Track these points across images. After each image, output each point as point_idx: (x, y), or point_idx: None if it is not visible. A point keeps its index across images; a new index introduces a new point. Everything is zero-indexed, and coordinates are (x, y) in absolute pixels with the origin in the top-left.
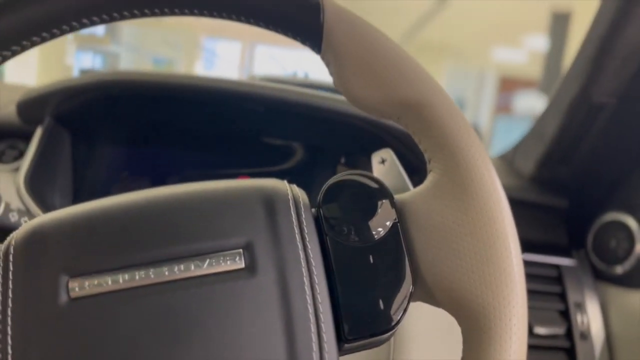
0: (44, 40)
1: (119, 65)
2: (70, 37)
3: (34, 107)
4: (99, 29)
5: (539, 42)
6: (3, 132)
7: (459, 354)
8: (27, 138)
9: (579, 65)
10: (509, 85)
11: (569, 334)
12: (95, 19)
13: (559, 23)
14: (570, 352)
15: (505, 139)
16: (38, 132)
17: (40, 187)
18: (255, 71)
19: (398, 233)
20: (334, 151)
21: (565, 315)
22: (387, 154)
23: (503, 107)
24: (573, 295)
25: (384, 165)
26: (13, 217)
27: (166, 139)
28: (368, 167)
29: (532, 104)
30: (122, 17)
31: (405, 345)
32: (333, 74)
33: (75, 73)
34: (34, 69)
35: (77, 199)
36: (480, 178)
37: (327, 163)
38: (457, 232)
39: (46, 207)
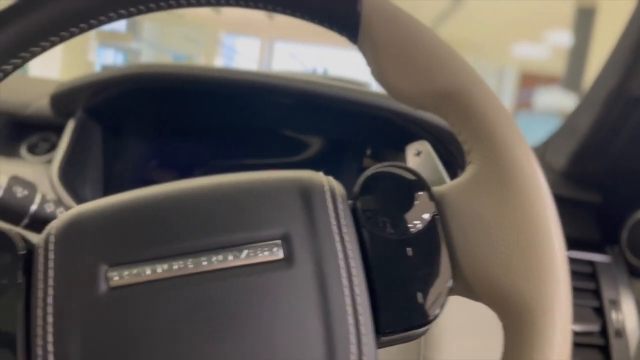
0: (72, 35)
1: (139, 61)
2: (92, 33)
3: (67, 99)
4: (121, 26)
5: (561, 38)
6: (36, 125)
7: (493, 350)
8: (58, 130)
9: (617, 58)
10: (529, 81)
11: (604, 331)
12: (132, 9)
13: (584, 18)
14: (605, 350)
15: (526, 135)
16: (70, 125)
17: (72, 179)
18: (274, 68)
19: (437, 226)
20: (360, 143)
21: (600, 312)
22: (422, 145)
23: (524, 103)
24: (608, 292)
25: (420, 158)
26: (49, 208)
27: (192, 131)
28: (395, 159)
29: (553, 100)
30: (160, 8)
31: (437, 340)
32: (370, 64)
33: (97, 69)
34: (57, 65)
35: (107, 190)
36: (522, 169)
37: (352, 155)
38: (499, 225)
39: (78, 199)
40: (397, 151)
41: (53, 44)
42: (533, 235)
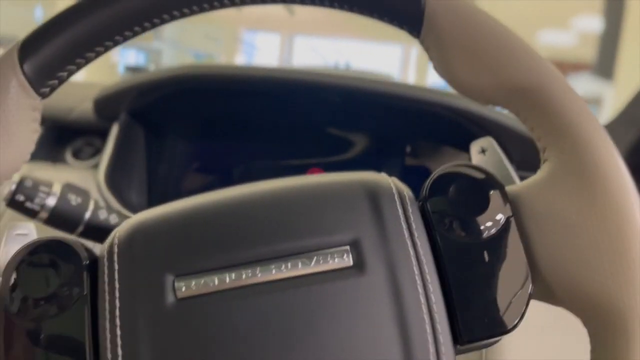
0: (135, 34)
1: (161, 61)
2: None
3: (111, 103)
4: None
5: (589, 24)
6: (79, 129)
7: (559, 354)
8: (102, 135)
9: None
10: (557, 69)
11: None
12: (195, 8)
13: (614, 3)
14: None
15: None
16: (115, 129)
17: (118, 183)
18: (295, 63)
19: (513, 228)
20: (400, 140)
21: None
22: (487, 142)
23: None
24: None
25: (485, 155)
26: (102, 215)
27: (233, 132)
28: (437, 156)
29: (584, 87)
30: (214, 7)
31: (500, 353)
32: (434, 59)
33: (120, 70)
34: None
35: (151, 193)
36: (607, 165)
37: (392, 152)
38: (583, 225)
39: (125, 204)
40: (438, 147)
41: (116, 44)
42: (622, 236)
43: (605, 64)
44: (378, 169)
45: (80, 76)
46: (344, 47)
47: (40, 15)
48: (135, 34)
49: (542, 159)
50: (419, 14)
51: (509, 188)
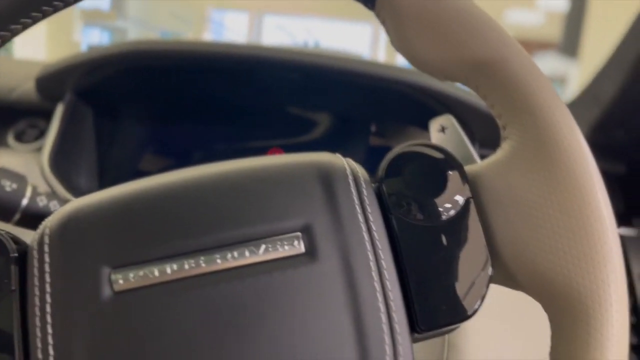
0: (66, 4)
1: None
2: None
3: (54, 82)
4: (105, 4)
5: (555, 3)
6: (22, 110)
7: (528, 345)
8: (47, 116)
9: (632, 44)
10: (524, 48)
11: (635, 308)
12: None
13: None
14: (636, 328)
15: None
16: (59, 109)
17: (65, 168)
18: (264, 42)
19: (472, 209)
20: (364, 119)
21: (629, 288)
22: (447, 120)
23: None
24: (637, 267)
25: (445, 134)
26: (42, 202)
27: (191, 113)
28: (402, 135)
29: (549, 66)
30: None
31: (462, 336)
32: (390, 32)
33: (83, 49)
34: (42, 46)
35: (102, 178)
36: (569, 144)
37: (357, 132)
38: (543, 206)
39: (72, 189)
40: (403, 126)
41: (45, 15)
42: (584, 217)
43: (570, 42)
44: (343, 149)
45: (41, 56)
46: (314, 26)
47: None
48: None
49: (503, 137)
50: None
51: (468, 168)
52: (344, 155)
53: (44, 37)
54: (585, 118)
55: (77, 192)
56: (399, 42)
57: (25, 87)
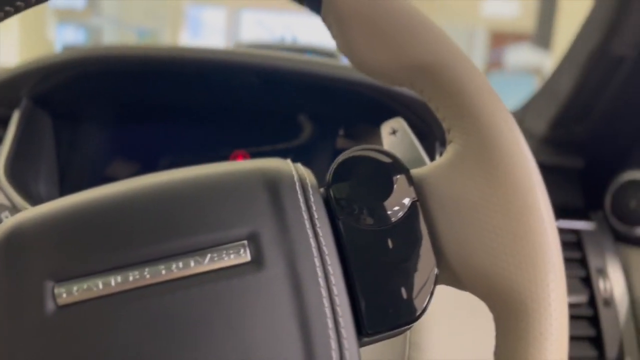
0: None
1: (102, 38)
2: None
3: (9, 89)
4: (79, 3)
5: None
6: None
7: (483, 345)
8: (3, 122)
9: (598, 16)
10: (499, 40)
11: (592, 301)
12: None
13: None
14: (594, 320)
15: (500, 95)
16: (15, 116)
17: (22, 176)
18: (242, 38)
19: (418, 212)
20: (332, 122)
21: (587, 282)
22: (398, 123)
23: (495, 63)
24: (594, 261)
25: (396, 137)
26: None
27: (156, 117)
28: (371, 137)
29: (523, 57)
30: None
31: (422, 338)
32: (336, 37)
33: (58, 47)
34: (16, 45)
35: (63, 186)
36: (508, 147)
37: (324, 135)
38: (485, 208)
39: (30, 197)
40: (373, 127)
41: (7, 15)
42: (524, 219)
43: (543, 34)
44: (310, 153)
45: (14, 55)
46: (291, 21)
47: None
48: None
49: (448, 140)
50: None
51: (414, 171)
52: (311, 158)
53: (16, 35)
54: (544, 114)
55: (36, 200)
56: (344, 47)
57: None
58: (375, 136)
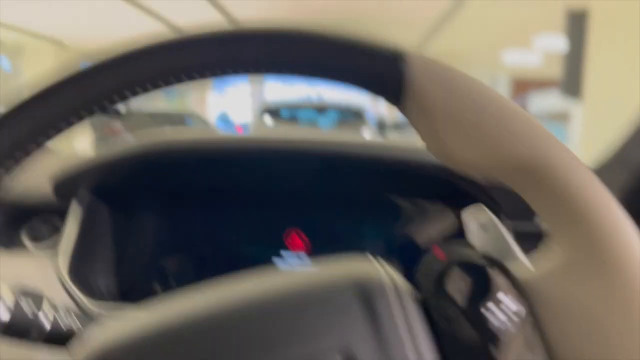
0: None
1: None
2: None
3: (70, 182)
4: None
5: (551, 42)
6: (35, 208)
7: None
8: (60, 212)
9: None
10: (522, 87)
11: None
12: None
13: (576, 22)
14: None
15: None
16: (74, 207)
17: (82, 271)
18: (266, 97)
19: (529, 324)
20: (395, 204)
21: None
22: (486, 216)
23: None
24: None
25: (487, 233)
26: (60, 319)
27: (204, 202)
28: (439, 216)
29: (548, 103)
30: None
31: None
32: (420, 130)
33: None
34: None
35: (119, 275)
36: (629, 257)
37: (384, 216)
38: (609, 324)
39: (92, 294)
40: (439, 205)
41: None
42: None
43: (571, 81)
44: (372, 234)
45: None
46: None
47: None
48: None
49: (552, 242)
50: (398, 80)
51: (520, 277)
52: (373, 240)
53: None
54: (615, 183)
55: (97, 296)
56: (430, 140)
57: (38, 185)
58: (424, 210)
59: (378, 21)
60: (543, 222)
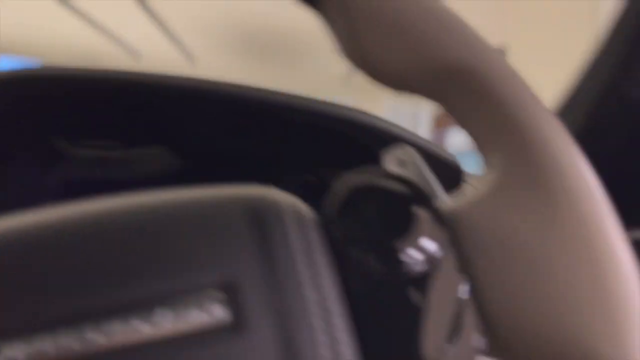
0: None
1: None
2: None
3: None
4: None
5: None
6: None
7: None
8: None
9: (606, 57)
10: (443, 122)
11: None
12: None
13: None
14: None
15: None
16: None
17: None
18: None
19: (451, 258)
20: (295, 163)
21: None
22: (406, 153)
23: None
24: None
25: (407, 170)
26: None
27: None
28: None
29: (463, 139)
30: None
31: None
32: (339, 34)
33: None
34: None
35: None
36: (567, 170)
37: (286, 177)
38: (547, 253)
39: None
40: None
41: None
42: (601, 265)
43: None
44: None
45: None
46: None
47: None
48: None
49: (485, 166)
50: None
51: (443, 205)
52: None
53: None
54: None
55: None
56: (349, 46)
57: None
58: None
59: (302, 56)
60: (471, 138)
